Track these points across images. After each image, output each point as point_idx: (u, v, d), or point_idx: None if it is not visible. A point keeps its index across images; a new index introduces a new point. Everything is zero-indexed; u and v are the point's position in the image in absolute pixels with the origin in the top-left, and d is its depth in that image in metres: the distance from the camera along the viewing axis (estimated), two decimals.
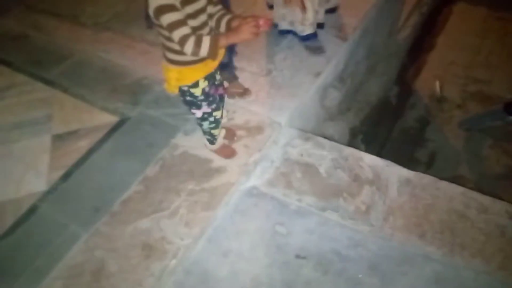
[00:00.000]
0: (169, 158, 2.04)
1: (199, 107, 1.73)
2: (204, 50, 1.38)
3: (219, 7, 1.53)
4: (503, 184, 2.93)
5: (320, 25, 2.54)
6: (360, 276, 1.68)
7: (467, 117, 3.34)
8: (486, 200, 1.88)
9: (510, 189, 2.80)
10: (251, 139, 2.12)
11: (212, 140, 1.96)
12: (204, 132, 1.93)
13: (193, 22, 1.42)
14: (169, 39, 1.43)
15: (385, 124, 3.51)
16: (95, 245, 1.74)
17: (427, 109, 3.56)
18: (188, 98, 1.69)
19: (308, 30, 2.46)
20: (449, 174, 3.06)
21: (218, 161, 2.01)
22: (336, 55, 2.53)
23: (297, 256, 1.74)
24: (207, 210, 1.84)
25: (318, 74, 2.44)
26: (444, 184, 1.94)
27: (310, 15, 2.36)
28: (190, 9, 1.38)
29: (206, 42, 1.38)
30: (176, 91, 1.66)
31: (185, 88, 1.64)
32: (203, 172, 1.97)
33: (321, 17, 2.52)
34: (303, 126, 2.49)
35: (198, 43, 1.37)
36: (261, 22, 1.43)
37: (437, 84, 3.65)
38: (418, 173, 2.01)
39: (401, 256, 1.73)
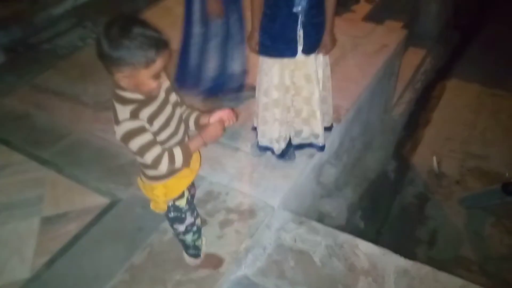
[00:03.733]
0: (157, 244, 1.98)
1: (182, 221, 1.59)
2: (179, 163, 1.32)
3: (184, 107, 1.49)
4: (508, 266, 2.81)
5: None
6: None
7: (467, 194, 3.30)
8: None
9: None
10: (242, 223, 2.07)
11: (197, 253, 1.79)
12: (188, 247, 1.75)
13: (164, 134, 1.35)
14: None
15: (384, 200, 3.46)
16: None
17: (426, 185, 3.53)
18: (172, 214, 1.57)
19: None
20: (451, 254, 2.96)
21: (208, 247, 1.95)
22: (330, 136, 2.56)
23: None
24: None
25: (312, 155, 2.45)
26: (443, 276, 1.85)
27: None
28: (158, 123, 1.32)
29: (178, 154, 1.32)
30: (166, 208, 1.55)
31: (170, 203, 1.53)
32: None
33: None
34: (299, 205, 2.45)
35: (171, 159, 1.31)
36: (228, 116, 1.44)
37: (435, 159, 3.65)
38: (416, 263, 1.93)
39: None
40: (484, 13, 5.42)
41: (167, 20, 3.73)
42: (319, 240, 2.05)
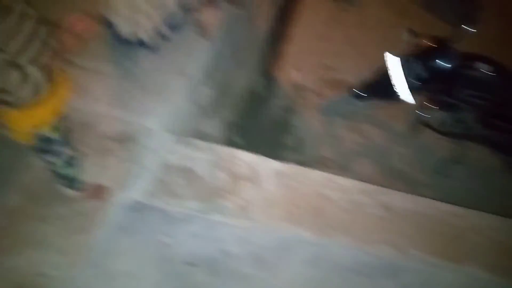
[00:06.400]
0: (31, 182, 1.83)
1: (55, 153, 1.50)
2: None
3: None
4: (358, 160, 3.38)
5: None
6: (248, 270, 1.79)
7: (324, 104, 3.73)
8: (346, 181, 2.15)
9: (363, 164, 3.26)
10: (123, 150, 2.02)
11: (77, 184, 1.73)
12: (66, 180, 1.68)
13: None
14: None
15: (257, 115, 3.69)
16: None
17: (291, 99, 3.86)
18: (42, 146, 1.46)
19: None
20: (315, 156, 3.41)
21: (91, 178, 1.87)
22: (201, 53, 2.55)
23: (188, 264, 1.76)
24: (82, 233, 1.72)
25: (185, 74, 2.43)
26: (312, 172, 2.16)
27: None
28: None
29: None
30: (31, 139, 1.41)
31: (38, 134, 1.40)
32: None
33: None
34: (178, 128, 2.47)
35: None
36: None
37: (296, 73, 3.97)
38: (290, 164, 2.19)
39: (282, 245, 1.89)
40: None
41: None
42: (202, 156, 2.15)
